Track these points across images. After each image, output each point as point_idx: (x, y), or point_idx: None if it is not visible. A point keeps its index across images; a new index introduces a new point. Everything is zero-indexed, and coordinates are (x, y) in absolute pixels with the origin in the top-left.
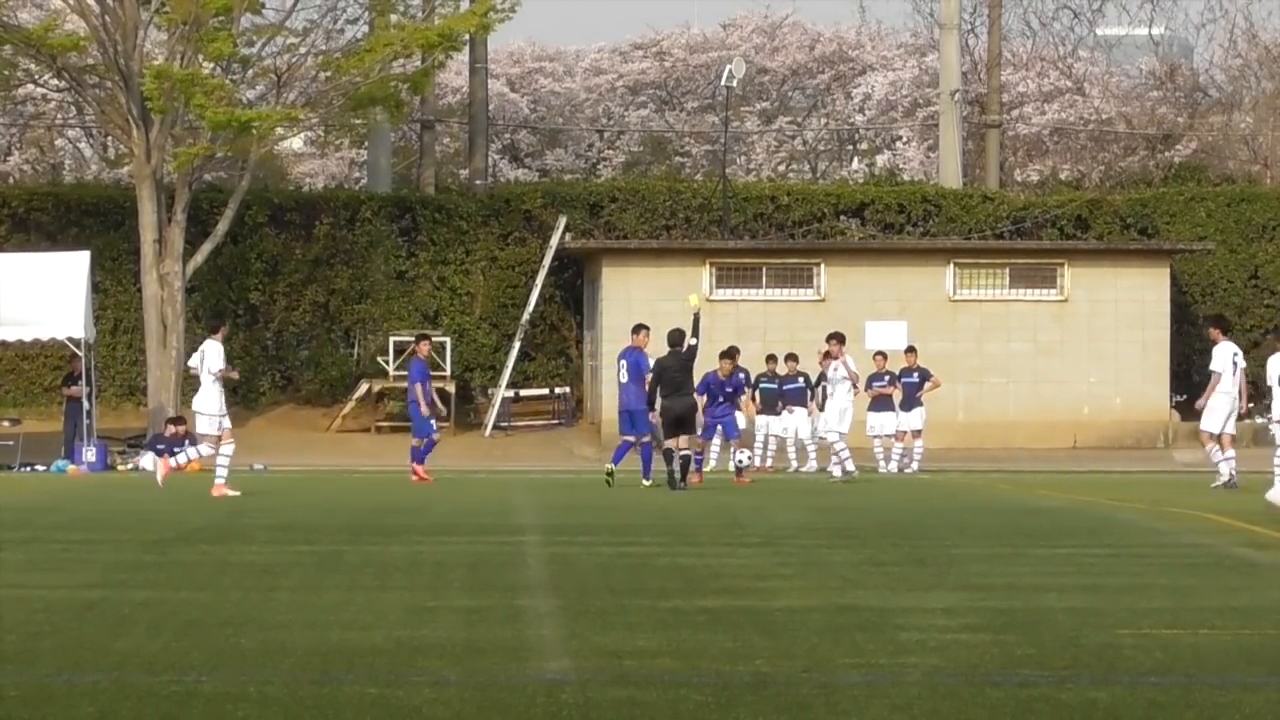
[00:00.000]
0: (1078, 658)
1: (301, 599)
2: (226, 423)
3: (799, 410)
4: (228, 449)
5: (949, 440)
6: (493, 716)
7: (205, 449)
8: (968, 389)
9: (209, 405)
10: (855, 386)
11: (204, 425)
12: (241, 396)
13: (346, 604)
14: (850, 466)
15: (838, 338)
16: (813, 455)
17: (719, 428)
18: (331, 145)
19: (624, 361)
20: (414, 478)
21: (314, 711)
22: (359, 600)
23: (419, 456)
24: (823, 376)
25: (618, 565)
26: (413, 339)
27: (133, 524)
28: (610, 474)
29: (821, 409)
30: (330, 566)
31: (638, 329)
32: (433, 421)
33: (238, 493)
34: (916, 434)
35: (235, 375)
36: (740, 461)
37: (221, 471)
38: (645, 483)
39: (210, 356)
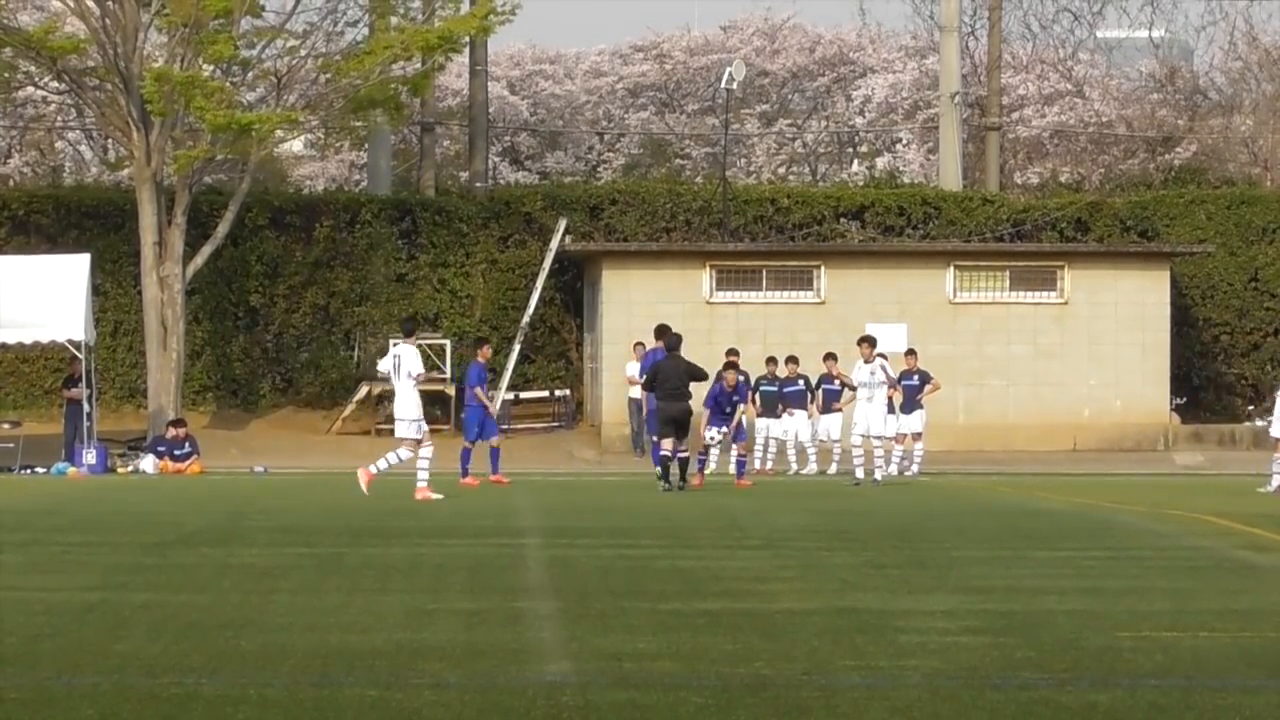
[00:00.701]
0: (1078, 660)
1: (301, 601)
2: (425, 426)
3: (799, 413)
4: (427, 452)
5: (949, 443)
6: (493, 719)
7: (405, 453)
8: (968, 391)
9: (409, 410)
10: (895, 387)
11: (404, 430)
12: (241, 399)
13: (346, 606)
14: (879, 475)
15: (869, 341)
16: (813, 458)
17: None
18: (331, 148)
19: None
20: (492, 478)
21: (314, 714)
22: (359, 603)
23: (463, 459)
24: (824, 378)
25: (618, 568)
26: (474, 342)
27: (133, 526)
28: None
29: (823, 412)
30: (330, 569)
31: (661, 332)
32: (477, 427)
33: (441, 495)
34: (917, 436)
35: (443, 376)
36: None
37: (423, 475)
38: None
39: (409, 360)
